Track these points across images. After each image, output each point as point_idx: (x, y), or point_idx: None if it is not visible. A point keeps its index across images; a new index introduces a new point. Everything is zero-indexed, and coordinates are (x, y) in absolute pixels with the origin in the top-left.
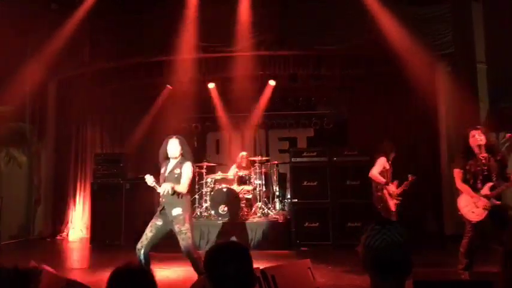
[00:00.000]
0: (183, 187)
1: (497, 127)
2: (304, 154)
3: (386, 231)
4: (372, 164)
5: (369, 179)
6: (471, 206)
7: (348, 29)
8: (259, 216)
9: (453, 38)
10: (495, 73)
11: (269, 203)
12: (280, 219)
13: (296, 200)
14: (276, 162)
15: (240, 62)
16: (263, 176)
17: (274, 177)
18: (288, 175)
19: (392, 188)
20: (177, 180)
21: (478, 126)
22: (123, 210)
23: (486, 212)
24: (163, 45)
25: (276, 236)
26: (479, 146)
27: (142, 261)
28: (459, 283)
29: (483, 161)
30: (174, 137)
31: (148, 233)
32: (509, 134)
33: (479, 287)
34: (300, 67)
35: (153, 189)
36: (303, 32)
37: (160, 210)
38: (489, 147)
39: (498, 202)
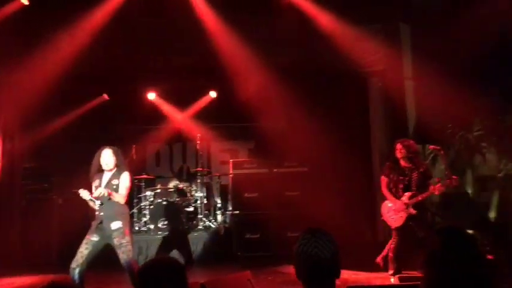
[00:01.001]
0: (121, 196)
1: (423, 140)
2: (245, 166)
3: (317, 239)
4: (311, 175)
5: (308, 190)
6: (391, 212)
7: (286, 44)
8: (201, 229)
9: (383, 55)
10: (421, 89)
11: (211, 215)
12: (221, 231)
13: (237, 212)
14: (217, 174)
15: (181, 72)
16: (204, 188)
17: (216, 189)
18: (229, 187)
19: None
20: (116, 191)
21: (402, 140)
22: (55, 227)
23: (404, 218)
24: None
25: (218, 248)
26: (402, 158)
27: (77, 280)
28: (389, 287)
29: (406, 171)
30: (108, 147)
31: (84, 251)
32: (432, 146)
33: None
34: (238, 77)
35: (88, 203)
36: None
37: (98, 225)
38: (413, 160)
39: (414, 211)
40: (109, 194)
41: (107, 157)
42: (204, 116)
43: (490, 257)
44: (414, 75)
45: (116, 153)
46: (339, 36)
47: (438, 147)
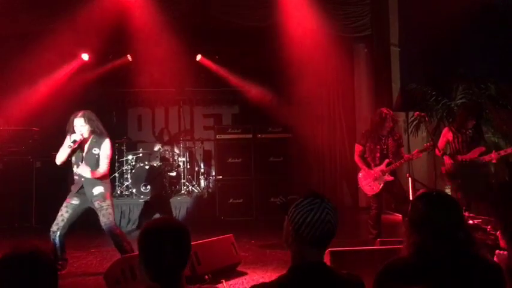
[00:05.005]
0: (102, 169)
1: (407, 106)
2: (229, 131)
3: (326, 205)
4: (294, 141)
5: (291, 156)
6: (368, 180)
7: (268, 5)
8: (184, 194)
9: (370, 20)
10: (406, 56)
11: (193, 180)
12: (205, 196)
13: (220, 177)
14: (200, 139)
15: (164, 34)
16: (187, 153)
17: (199, 155)
18: (213, 152)
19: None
20: (98, 161)
21: (387, 109)
22: (33, 190)
23: (381, 186)
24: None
25: (201, 213)
26: (390, 127)
27: (57, 244)
28: (369, 251)
29: (382, 140)
30: (79, 115)
31: (65, 214)
32: (417, 113)
33: (386, 254)
34: (223, 42)
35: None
36: (225, 7)
37: (78, 190)
38: (392, 128)
39: (391, 178)
40: (92, 175)
41: (79, 127)
42: (187, 80)
43: (470, 222)
44: (400, 41)
45: (87, 121)
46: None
47: (423, 114)
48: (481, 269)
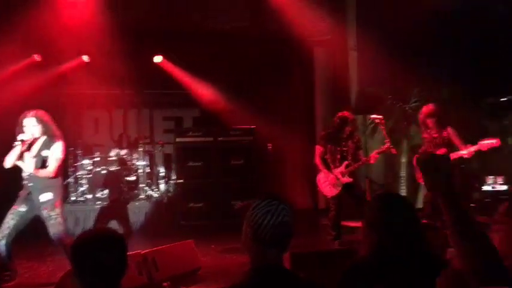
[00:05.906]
0: (47, 172)
1: (364, 109)
2: (190, 134)
3: (284, 206)
4: (255, 144)
5: (252, 158)
6: (327, 182)
7: (230, 9)
8: (143, 198)
9: (329, 25)
10: (364, 60)
11: (153, 184)
12: (164, 200)
13: (181, 181)
14: (160, 142)
15: (122, 35)
16: (147, 157)
17: (159, 158)
18: (173, 155)
19: None
20: (45, 163)
21: (350, 113)
22: None
23: (340, 188)
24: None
25: (160, 218)
26: (351, 130)
27: (4, 252)
28: (329, 253)
29: (342, 142)
30: (30, 114)
31: (10, 221)
32: (373, 116)
33: (346, 255)
34: (184, 44)
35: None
36: (186, 7)
37: (26, 195)
38: (352, 132)
39: (350, 179)
40: (35, 172)
41: (30, 126)
42: (147, 82)
43: (424, 221)
44: (358, 46)
45: (39, 121)
46: (284, 4)
47: (380, 116)
48: (436, 267)
